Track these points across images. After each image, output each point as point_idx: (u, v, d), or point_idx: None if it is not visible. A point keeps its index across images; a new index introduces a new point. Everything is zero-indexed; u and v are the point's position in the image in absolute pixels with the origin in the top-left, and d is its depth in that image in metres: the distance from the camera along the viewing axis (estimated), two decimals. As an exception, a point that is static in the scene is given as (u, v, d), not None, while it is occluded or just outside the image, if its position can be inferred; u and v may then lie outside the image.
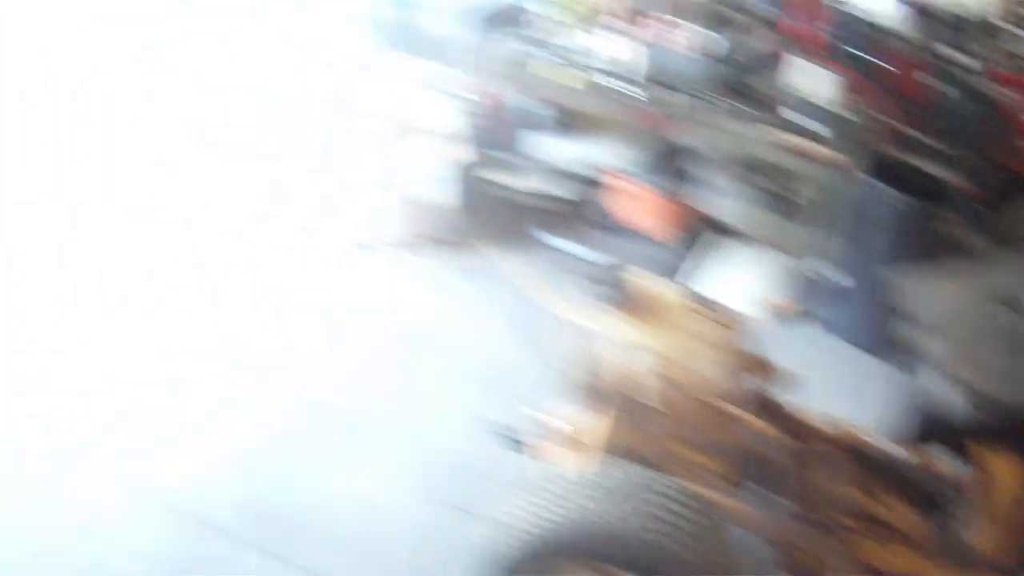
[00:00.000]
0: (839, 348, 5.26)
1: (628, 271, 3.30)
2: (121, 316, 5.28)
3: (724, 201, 5.64)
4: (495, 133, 6.23)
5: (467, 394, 4.70)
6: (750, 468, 3.15)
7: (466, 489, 4.11)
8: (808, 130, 5.31)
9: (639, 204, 5.74)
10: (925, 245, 4.93)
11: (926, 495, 3.11)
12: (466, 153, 6.08)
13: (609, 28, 6.08)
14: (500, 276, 5.77)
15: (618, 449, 3.16)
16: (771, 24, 5.82)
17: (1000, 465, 2.84)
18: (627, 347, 3.16)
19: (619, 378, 3.19)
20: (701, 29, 5.76)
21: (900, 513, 3.08)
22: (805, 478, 3.11)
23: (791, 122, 5.37)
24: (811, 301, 5.43)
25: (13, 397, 4.55)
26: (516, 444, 3.55)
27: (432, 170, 6.04)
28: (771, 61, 5.65)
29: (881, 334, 5.03)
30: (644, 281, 3.28)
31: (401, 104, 6.03)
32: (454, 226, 6.08)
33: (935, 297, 3.27)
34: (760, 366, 3.22)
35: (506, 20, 6.78)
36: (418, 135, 5.99)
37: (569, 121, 6.21)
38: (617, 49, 5.91)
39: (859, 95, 5.37)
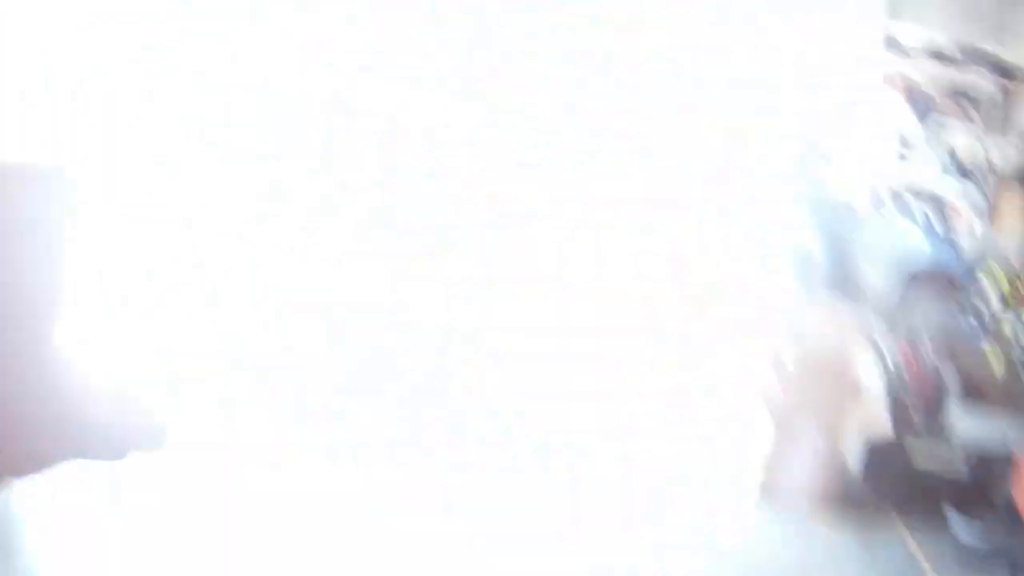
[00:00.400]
0: None
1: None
2: (120, 316, 5.29)
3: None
4: (913, 398, 6.07)
5: None
6: None
7: None
8: None
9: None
10: None
11: None
12: (881, 413, 5.96)
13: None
14: (900, 549, 5.59)
15: None
16: None
17: None
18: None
19: None
20: None
21: None
22: None
23: None
24: None
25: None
26: None
27: (846, 426, 5.91)
28: None
29: None
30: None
31: (816, 345, 5.99)
32: (857, 489, 5.87)
33: None
34: None
35: (933, 280, 6.81)
36: (837, 385, 5.90)
37: (981, 394, 6.07)
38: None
39: None
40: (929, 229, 7.19)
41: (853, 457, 5.86)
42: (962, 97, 8.08)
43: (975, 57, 8.05)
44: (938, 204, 7.72)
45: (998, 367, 5.86)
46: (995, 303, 6.34)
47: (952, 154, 8.13)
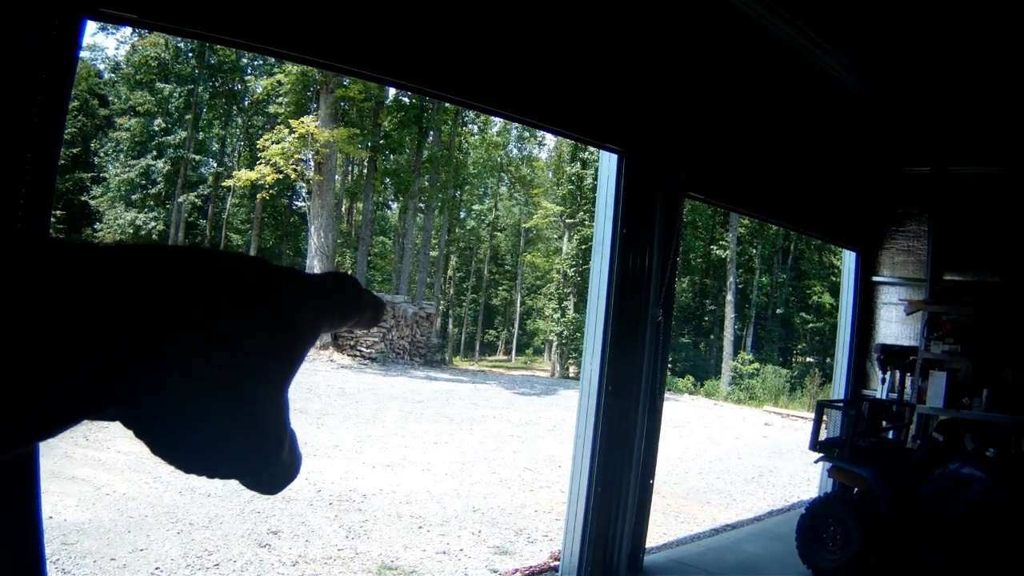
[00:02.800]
0: None
1: None
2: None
3: None
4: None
5: None
6: None
7: None
8: None
9: None
10: None
11: None
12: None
13: None
14: None
15: None
16: None
17: None
18: None
19: None
20: None
21: None
22: None
23: None
24: None
25: None
26: None
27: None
28: None
29: None
30: None
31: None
32: None
33: None
34: None
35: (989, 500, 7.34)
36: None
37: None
38: None
39: None
40: (981, 459, 7.71)
41: None
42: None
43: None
44: (994, 435, 8.34)
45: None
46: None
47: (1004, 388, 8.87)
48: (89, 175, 47.64)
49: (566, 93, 7.23)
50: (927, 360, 9.97)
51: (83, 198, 46.89)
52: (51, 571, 6.43)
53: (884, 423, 9.47)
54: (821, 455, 8.80)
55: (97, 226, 45.59)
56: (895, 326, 11.38)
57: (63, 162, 43.29)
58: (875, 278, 11.73)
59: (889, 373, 10.17)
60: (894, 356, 10.06)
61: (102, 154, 48.01)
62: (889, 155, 10.45)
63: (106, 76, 50.73)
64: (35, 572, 4.44)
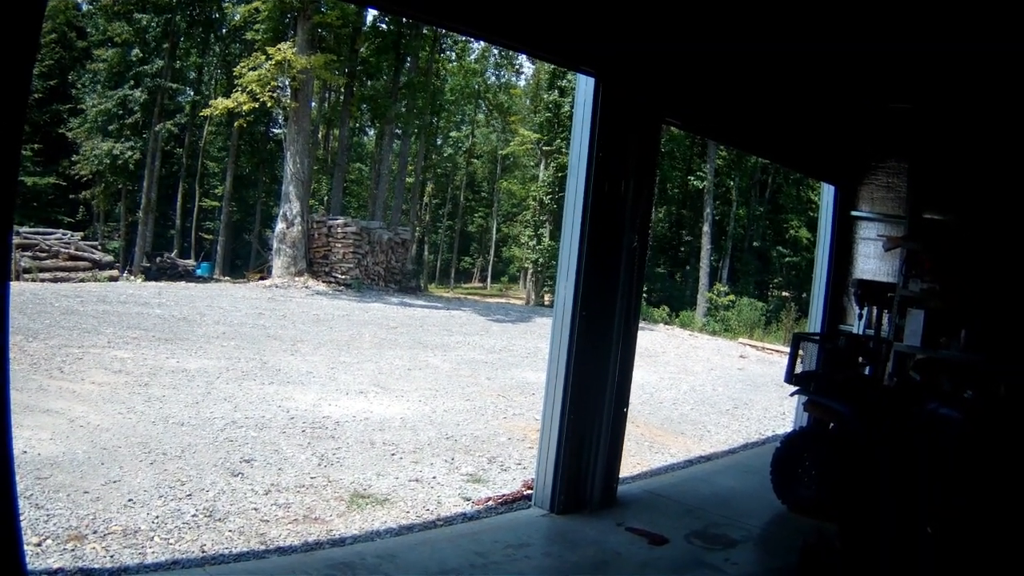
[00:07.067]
0: None
1: None
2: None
3: None
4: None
5: None
6: None
7: None
8: None
9: None
10: None
11: None
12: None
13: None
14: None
15: None
16: None
17: None
18: None
19: None
20: None
21: None
22: None
23: None
24: None
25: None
26: None
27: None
28: None
29: None
30: None
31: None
32: None
33: None
34: None
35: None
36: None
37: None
38: None
39: None
40: (958, 400, 7.70)
41: None
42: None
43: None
44: (972, 376, 8.34)
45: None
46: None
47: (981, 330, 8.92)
48: (66, 107, 47.36)
49: (541, 14, 7.11)
50: (904, 297, 9.92)
51: (60, 130, 46.65)
52: (24, 506, 6.38)
53: (860, 359, 9.45)
54: (797, 388, 8.79)
55: (74, 157, 45.42)
56: (873, 262, 11.36)
57: (40, 95, 43.21)
58: (854, 212, 11.69)
59: (866, 309, 10.12)
60: (871, 292, 10.00)
61: (79, 86, 47.72)
62: (871, 89, 10.28)
63: (84, 8, 50.25)
64: (7, 508, 4.36)
